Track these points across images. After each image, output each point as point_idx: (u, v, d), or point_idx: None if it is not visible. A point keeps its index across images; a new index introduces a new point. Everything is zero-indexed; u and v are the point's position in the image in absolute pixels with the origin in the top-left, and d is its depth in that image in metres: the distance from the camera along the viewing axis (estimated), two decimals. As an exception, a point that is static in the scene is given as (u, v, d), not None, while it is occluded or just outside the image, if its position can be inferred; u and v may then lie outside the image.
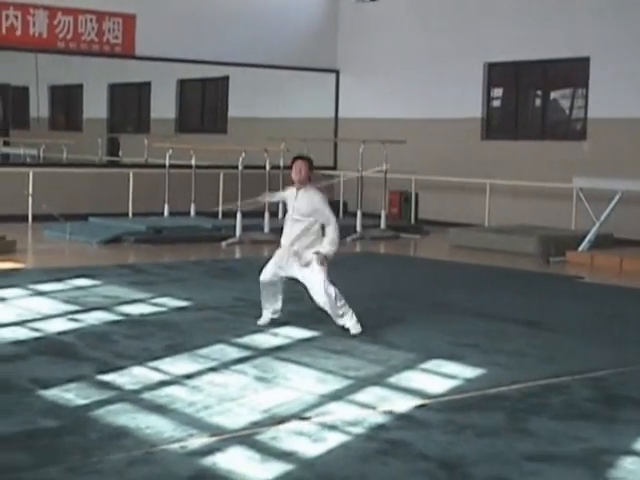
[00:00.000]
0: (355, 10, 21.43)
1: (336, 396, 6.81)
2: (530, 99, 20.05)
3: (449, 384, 7.26)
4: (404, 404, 6.68)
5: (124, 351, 8.03)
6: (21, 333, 8.60)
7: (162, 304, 10.19)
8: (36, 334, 8.60)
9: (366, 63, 21.08)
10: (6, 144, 22.41)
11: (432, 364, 7.85)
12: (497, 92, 19.88)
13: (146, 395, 6.72)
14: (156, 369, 7.43)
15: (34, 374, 7.19)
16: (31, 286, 10.99)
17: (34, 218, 17.35)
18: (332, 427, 6.09)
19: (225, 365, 7.64)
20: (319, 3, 21.45)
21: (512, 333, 9.32)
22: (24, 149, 21.52)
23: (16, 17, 17.75)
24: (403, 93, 20.42)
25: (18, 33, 17.81)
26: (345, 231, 17.32)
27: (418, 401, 6.77)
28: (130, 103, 23.30)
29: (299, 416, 6.31)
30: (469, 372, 7.62)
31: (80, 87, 22.33)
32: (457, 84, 19.42)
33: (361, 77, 21.21)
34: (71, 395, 6.66)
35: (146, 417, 6.19)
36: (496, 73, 19.38)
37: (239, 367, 7.59)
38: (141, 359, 7.72)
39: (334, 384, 7.14)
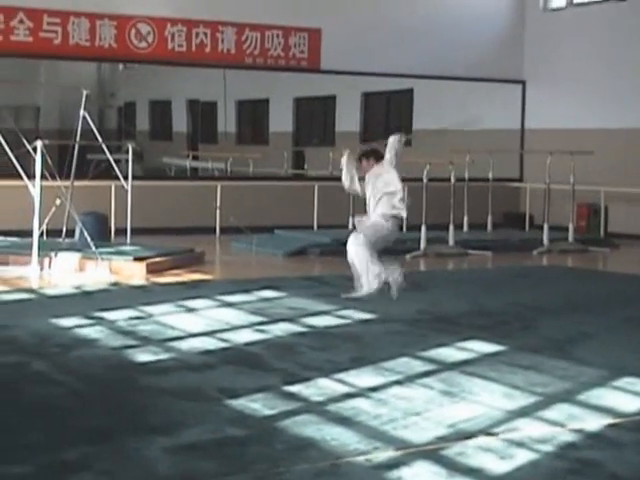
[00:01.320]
0: (542, 19, 21.07)
1: (523, 412, 6.64)
2: None
3: (643, 403, 7.00)
4: (595, 422, 6.46)
5: (310, 362, 8.07)
6: (210, 343, 8.75)
7: (347, 316, 10.19)
8: (224, 344, 8.73)
9: (554, 73, 20.67)
10: (195, 158, 22.95)
11: (625, 382, 7.57)
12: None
13: (331, 407, 6.71)
14: (341, 381, 7.42)
15: (222, 384, 7.29)
16: (219, 297, 11.19)
17: (222, 230, 17.72)
18: (520, 444, 5.94)
19: (410, 378, 7.56)
20: (504, 13, 21.18)
21: None
22: (212, 163, 21.98)
23: (205, 34, 18.21)
24: (592, 103, 19.93)
25: (207, 50, 18.26)
26: (531, 244, 17.08)
27: (610, 420, 6.53)
28: (315, 116, 23.51)
29: (486, 432, 6.17)
30: (664, 391, 7.32)
31: (266, 101, 22.68)
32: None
33: (548, 87, 20.81)
34: (258, 405, 6.72)
35: (331, 429, 6.18)
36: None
37: (424, 381, 7.50)
38: (326, 371, 7.73)
39: (521, 400, 6.97)
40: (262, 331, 9.35)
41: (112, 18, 17.63)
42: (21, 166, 13.21)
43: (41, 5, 17.05)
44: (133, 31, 17.83)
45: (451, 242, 16.36)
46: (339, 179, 16.83)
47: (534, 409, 6.72)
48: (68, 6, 17.27)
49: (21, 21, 16.97)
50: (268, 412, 6.58)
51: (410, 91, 21.85)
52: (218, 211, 17.70)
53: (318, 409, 6.66)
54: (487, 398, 7.00)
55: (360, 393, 7.09)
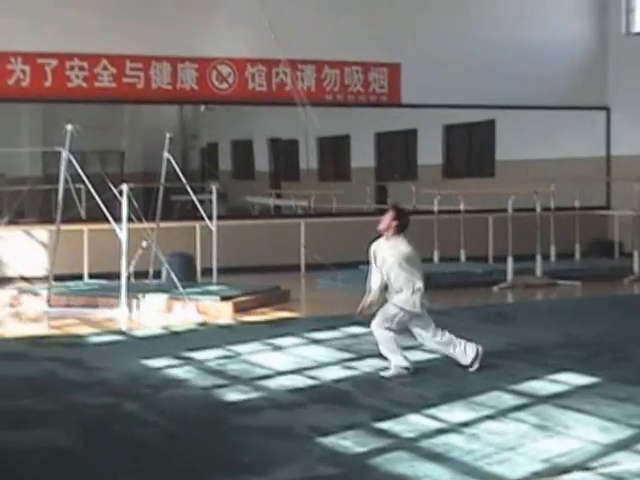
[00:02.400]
0: (625, 43, 20.80)
1: (621, 446, 6.49)
2: None
3: None
4: (696, 455, 6.29)
5: (399, 398, 8.00)
6: (298, 381, 8.74)
7: (434, 351, 10.08)
8: (313, 382, 8.71)
9: (639, 98, 20.36)
10: (278, 196, 23.09)
11: None
12: None
13: (423, 443, 6.64)
14: (432, 417, 7.35)
15: (312, 421, 7.26)
16: (306, 334, 11.18)
17: (307, 267, 17.73)
18: (618, 478, 5.80)
19: (502, 412, 7.46)
20: (586, 39, 20.96)
21: None
22: (295, 200, 22.08)
23: (285, 73, 18.34)
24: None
25: (288, 88, 18.38)
26: (621, 272, 16.78)
27: None
28: (397, 151, 23.49)
29: (582, 466, 6.04)
30: None
31: (347, 137, 22.73)
32: None
33: (633, 113, 20.51)
34: (349, 442, 6.67)
35: (424, 465, 6.11)
36: None
37: (517, 415, 7.39)
38: (417, 406, 7.66)
39: (618, 433, 6.81)
40: (350, 368, 9.31)
41: (193, 61, 17.87)
42: (108, 210, 13.39)
43: (123, 51, 17.35)
44: (214, 73, 18.04)
45: (539, 272, 16.15)
46: (423, 213, 16.78)
47: (632, 442, 6.57)
48: (150, 51, 17.54)
49: (105, 67, 17.28)
50: (359, 449, 6.53)
51: (492, 122, 21.71)
52: (303, 248, 17.74)
53: (410, 445, 6.60)
54: (582, 432, 6.86)
55: (452, 428, 7.00)
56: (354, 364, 9.46)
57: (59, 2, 16.95)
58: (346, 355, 9.92)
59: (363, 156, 22.23)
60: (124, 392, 8.40)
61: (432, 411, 7.51)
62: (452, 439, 6.72)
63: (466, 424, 7.10)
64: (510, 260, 15.72)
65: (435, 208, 17.91)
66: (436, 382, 8.63)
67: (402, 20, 19.02)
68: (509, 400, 7.86)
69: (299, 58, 18.40)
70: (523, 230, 16.02)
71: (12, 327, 12.36)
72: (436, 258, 17.62)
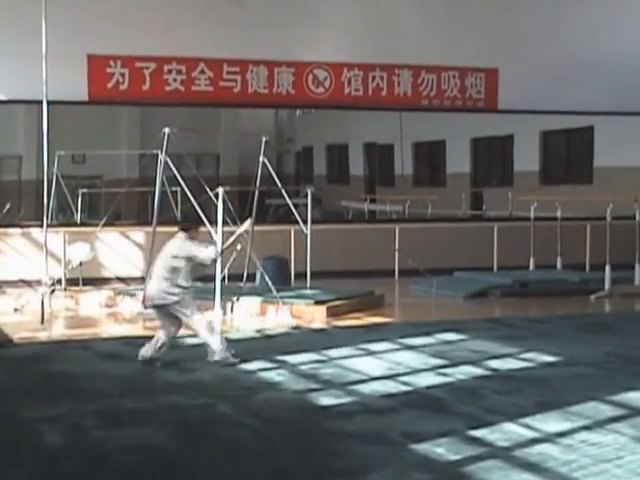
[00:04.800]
0: None
1: None
2: None
3: None
4: None
5: (494, 407, 7.91)
6: (391, 386, 8.70)
7: (531, 359, 9.96)
8: (406, 388, 8.66)
9: None
10: (372, 201, 23.08)
11: None
12: None
13: (518, 452, 6.55)
14: (527, 426, 7.24)
15: (406, 428, 7.21)
16: (399, 340, 11.12)
17: (401, 273, 17.67)
18: None
19: (599, 423, 7.32)
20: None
21: None
22: (390, 205, 22.05)
23: (382, 78, 18.31)
24: None
25: (384, 93, 18.34)
26: None
27: None
28: (493, 157, 23.32)
29: (683, 481, 5.90)
30: None
31: (443, 143, 22.64)
32: None
33: None
34: (442, 450, 6.62)
35: (519, 475, 6.03)
36: None
37: (614, 426, 7.24)
38: (511, 415, 7.56)
39: None
40: (444, 374, 9.24)
41: (290, 65, 17.93)
42: (203, 212, 13.50)
43: (221, 55, 17.50)
44: (310, 77, 18.09)
45: (637, 282, 15.84)
46: (519, 219, 16.58)
47: None
48: (247, 55, 17.66)
49: (202, 71, 17.44)
50: (453, 457, 6.46)
51: (590, 128, 21.42)
52: (397, 253, 17.68)
53: (504, 454, 6.51)
54: (683, 445, 6.70)
55: (547, 438, 6.89)
56: (448, 371, 9.38)
57: (157, 7, 17.16)
58: (440, 361, 9.84)
59: (459, 161, 22.13)
60: (218, 393, 8.46)
61: (527, 420, 7.40)
62: (547, 449, 6.61)
63: (562, 434, 6.99)
64: (608, 269, 15.46)
65: (531, 215, 17.70)
66: (531, 391, 8.50)
67: (500, 25, 18.83)
68: (606, 411, 7.71)
69: (395, 63, 18.35)
70: (621, 238, 15.74)
71: (108, 327, 12.54)
72: (532, 265, 17.40)
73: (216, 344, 9.70)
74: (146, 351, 9.69)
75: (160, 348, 9.69)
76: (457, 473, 6.13)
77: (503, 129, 21.50)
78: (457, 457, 6.46)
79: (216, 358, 9.68)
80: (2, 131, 22.28)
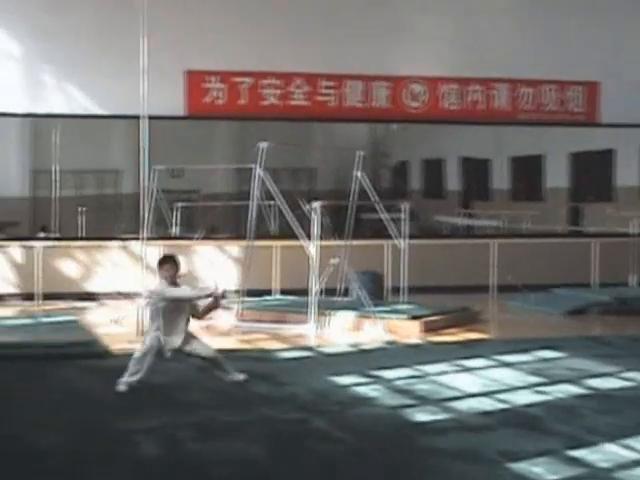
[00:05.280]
0: None
1: None
2: None
3: None
4: None
5: (593, 426, 7.73)
6: (488, 404, 8.57)
7: (631, 379, 9.74)
8: (503, 405, 8.53)
9: None
10: (469, 216, 22.86)
11: None
12: None
13: (619, 474, 6.39)
14: (629, 447, 7.07)
15: (502, 446, 7.09)
16: (496, 357, 10.97)
17: (498, 289, 17.46)
18: None
19: None
20: None
21: None
22: (486, 220, 21.81)
23: (479, 92, 18.16)
24: None
25: (481, 107, 18.19)
26: None
27: None
28: (592, 171, 22.90)
29: None
30: None
31: (540, 157, 22.33)
32: None
33: None
34: (540, 469, 6.48)
35: (621, 498, 5.87)
36: None
37: None
38: (612, 436, 7.38)
39: None
40: (542, 392, 9.07)
41: (386, 79, 17.90)
42: (300, 226, 13.53)
43: (317, 70, 17.55)
44: (406, 91, 18.02)
45: None
46: (619, 235, 16.28)
47: None
48: (343, 70, 17.68)
49: (298, 86, 17.52)
50: (551, 477, 6.34)
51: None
52: (493, 269, 17.47)
53: (605, 476, 6.36)
54: None
55: (650, 460, 6.71)
56: (546, 389, 9.21)
57: (254, 23, 17.29)
58: (537, 379, 9.67)
59: (557, 176, 21.78)
60: (312, 408, 8.43)
61: (628, 441, 7.22)
62: (651, 472, 6.44)
63: (665, 456, 6.80)
64: None
65: (631, 231, 17.35)
66: (631, 411, 8.31)
67: (600, 39, 18.55)
68: None
69: (492, 77, 18.19)
70: None
71: (204, 340, 12.59)
72: (632, 282, 17.05)
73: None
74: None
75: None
76: (554, 494, 6.00)
77: (604, 143, 21.11)
78: (555, 477, 6.32)
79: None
80: (102, 146, 22.65)
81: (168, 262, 9.29)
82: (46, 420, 7.98)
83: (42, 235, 18.02)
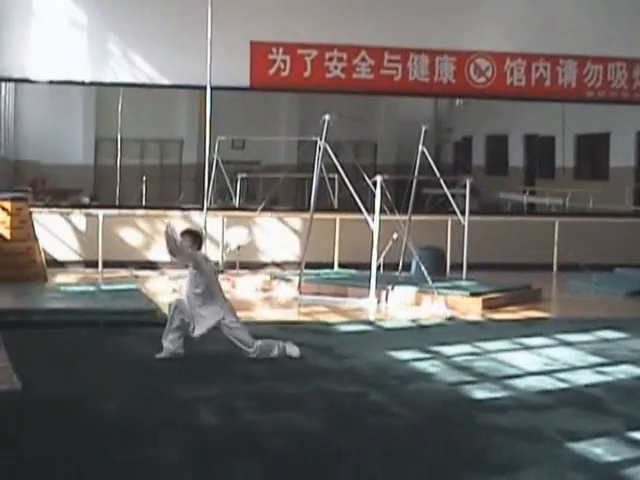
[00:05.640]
0: None
1: None
2: None
3: None
4: None
5: (656, 408, 7.64)
6: (548, 383, 8.50)
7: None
8: (563, 385, 8.45)
9: None
10: (532, 193, 22.68)
11: None
12: None
13: (682, 458, 6.30)
14: (692, 430, 6.96)
15: (562, 426, 7.02)
16: (556, 336, 10.86)
17: (559, 267, 17.30)
18: None
19: None
20: None
21: None
22: (549, 198, 21.62)
23: (545, 68, 17.94)
24: None
25: (547, 84, 17.97)
26: None
27: None
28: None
29: None
30: None
31: (606, 135, 22.05)
32: None
33: None
34: (600, 450, 6.41)
35: (682, 481, 5.78)
36: None
37: None
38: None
39: None
40: (603, 373, 8.97)
41: (451, 54, 17.74)
42: (361, 200, 13.50)
43: (382, 43, 17.43)
44: (472, 66, 17.85)
45: None
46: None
47: None
48: (408, 43, 17.54)
49: (363, 59, 17.42)
50: (612, 458, 6.26)
51: None
52: (555, 247, 17.31)
53: (667, 459, 6.27)
54: None
55: None
56: (607, 369, 9.11)
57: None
58: (598, 359, 9.57)
59: (623, 155, 21.50)
60: (371, 381, 8.41)
61: (691, 424, 7.12)
62: None
63: None
64: None
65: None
66: (695, 394, 8.19)
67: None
68: None
69: (560, 53, 17.95)
70: None
71: (263, 311, 12.65)
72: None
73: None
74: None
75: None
76: (616, 475, 5.92)
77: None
78: (616, 458, 6.24)
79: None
80: (165, 115, 22.79)
81: (189, 235, 9.22)
82: (108, 386, 8.05)
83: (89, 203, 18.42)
